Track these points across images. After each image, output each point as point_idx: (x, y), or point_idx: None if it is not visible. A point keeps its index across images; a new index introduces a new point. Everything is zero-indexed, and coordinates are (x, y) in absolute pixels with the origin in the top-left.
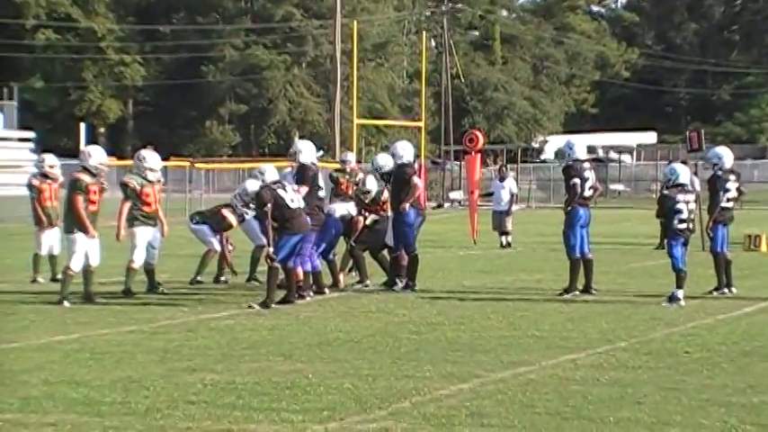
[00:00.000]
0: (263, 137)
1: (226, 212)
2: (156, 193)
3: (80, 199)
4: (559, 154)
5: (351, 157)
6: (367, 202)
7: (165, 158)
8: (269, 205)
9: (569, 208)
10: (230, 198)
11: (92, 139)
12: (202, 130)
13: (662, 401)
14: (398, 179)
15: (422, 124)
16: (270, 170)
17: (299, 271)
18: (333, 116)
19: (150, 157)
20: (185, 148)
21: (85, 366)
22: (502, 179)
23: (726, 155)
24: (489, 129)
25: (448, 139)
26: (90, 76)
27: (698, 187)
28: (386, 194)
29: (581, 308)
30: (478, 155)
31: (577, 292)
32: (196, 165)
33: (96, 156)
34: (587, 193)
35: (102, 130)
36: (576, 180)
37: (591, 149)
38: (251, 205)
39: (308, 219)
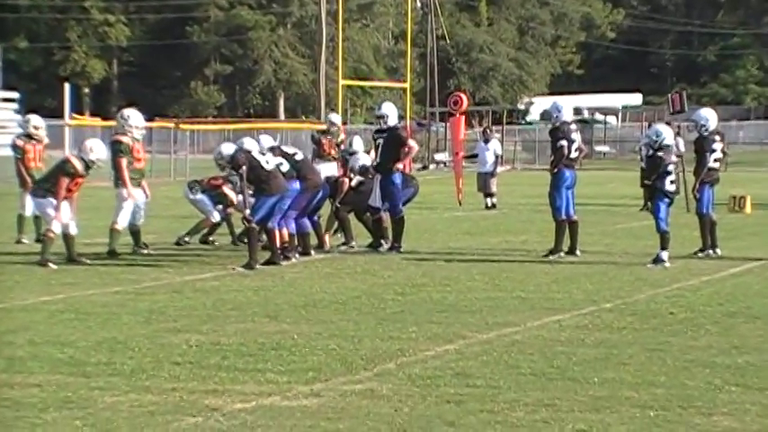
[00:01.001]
0: (248, 97)
1: (227, 190)
2: (143, 149)
3: (66, 181)
4: (546, 116)
5: (337, 118)
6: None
7: (149, 119)
8: (244, 167)
9: (556, 170)
10: (228, 173)
11: (76, 100)
12: (187, 91)
13: (647, 362)
14: (391, 141)
15: (407, 85)
16: (249, 141)
17: (285, 232)
18: (318, 77)
19: (134, 116)
20: (170, 109)
21: (71, 327)
22: (486, 141)
23: (711, 116)
24: (475, 90)
25: (433, 100)
26: (74, 36)
27: (682, 148)
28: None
29: (566, 269)
30: (463, 116)
31: (562, 254)
32: (181, 125)
33: (97, 151)
34: (573, 154)
35: (86, 90)
36: (564, 142)
37: (576, 111)
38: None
39: (293, 182)
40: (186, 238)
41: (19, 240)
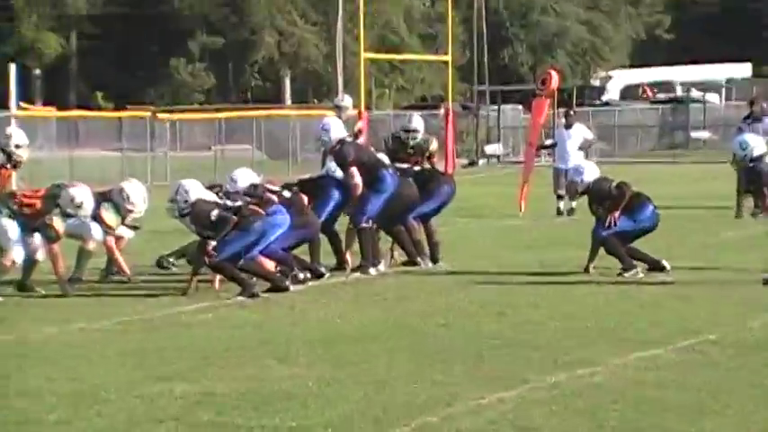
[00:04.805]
0: (245, 78)
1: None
2: None
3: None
4: (572, 186)
5: (348, 101)
6: (410, 150)
7: (119, 107)
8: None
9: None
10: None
11: (24, 84)
12: (167, 71)
13: (758, 409)
14: None
15: (448, 58)
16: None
17: (265, 261)
18: (333, 50)
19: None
20: (145, 95)
21: (25, 372)
22: (568, 126)
23: None
24: (536, 63)
25: (482, 76)
26: (20, 4)
27: None
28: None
29: (655, 291)
30: (548, 100)
31: (639, 271)
32: (159, 115)
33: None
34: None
35: (37, 71)
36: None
37: (667, 87)
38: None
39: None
40: (171, 259)
41: None
